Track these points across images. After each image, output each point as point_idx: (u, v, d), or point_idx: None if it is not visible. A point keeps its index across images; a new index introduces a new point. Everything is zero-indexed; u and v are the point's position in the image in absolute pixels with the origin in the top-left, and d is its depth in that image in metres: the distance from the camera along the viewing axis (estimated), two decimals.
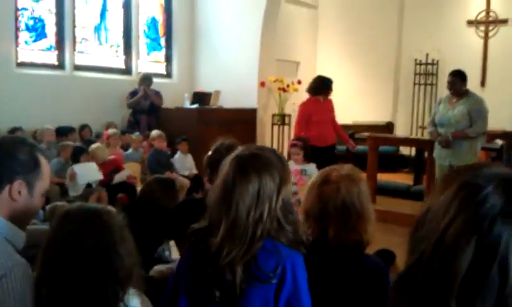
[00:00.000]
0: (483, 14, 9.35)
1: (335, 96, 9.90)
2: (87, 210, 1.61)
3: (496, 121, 8.59)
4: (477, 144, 5.65)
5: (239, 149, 1.65)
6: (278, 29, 8.97)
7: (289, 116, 9.21)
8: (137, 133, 7.08)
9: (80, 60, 7.62)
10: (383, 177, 7.55)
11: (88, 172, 5.71)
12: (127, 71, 8.22)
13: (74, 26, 7.48)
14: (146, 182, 3.65)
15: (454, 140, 5.57)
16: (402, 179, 8.23)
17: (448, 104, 5.72)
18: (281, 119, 9.17)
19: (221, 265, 1.50)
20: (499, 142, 7.89)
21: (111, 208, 1.72)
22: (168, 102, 8.00)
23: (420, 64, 9.86)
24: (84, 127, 7.09)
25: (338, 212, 1.79)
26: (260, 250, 1.51)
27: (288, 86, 8.98)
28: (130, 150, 6.91)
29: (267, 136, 8.98)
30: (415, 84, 9.96)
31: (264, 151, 1.63)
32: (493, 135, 8.19)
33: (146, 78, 7.68)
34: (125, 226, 1.60)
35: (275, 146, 8.61)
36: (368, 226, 1.83)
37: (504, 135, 8.40)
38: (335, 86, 10.08)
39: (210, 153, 2.56)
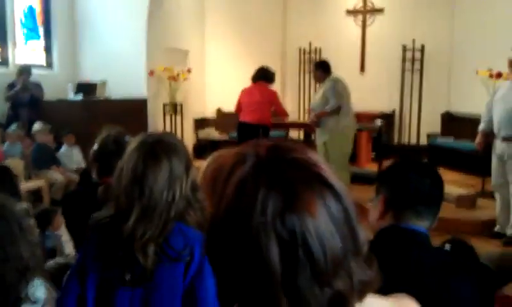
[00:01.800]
0: (361, 4, 9.93)
1: (223, 83, 10.08)
2: None
3: (375, 104, 9.27)
4: (340, 119, 6.14)
5: (142, 136, 1.67)
6: (165, 16, 8.85)
7: (181, 105, 9.16)
8: (13, 127, 6.60)
9: None
10: None
11: None
12: (4, 62, 7.64)
13: None
14: None
15: (321, 120, 6.18)
16: None
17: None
18: (173, 108, 9.09)
19: (135, 247, 1.52)
20: (379, 122, 8.46)
21: (8, 199, 1.66)
22: (50, 94, 7.58)
23: (305, 52, 10.28)
24: None
25: None
26: (172, 231, 1.56)
27: (178, 74, 8.92)
28: (5, 145, 6.44)
29: (160, 126, 8.86)
30: (300, 71, 10.37)
31: (167, 136, 1.69)
32: (373, 116, 8.79)
33: (25, 70, 7.20)
34: (25, 217, 1.57)
35: None
36: None
37: (382, 116, 9.06)
38: (223, 74, 10.28)
39: (96, 146, 2.50)
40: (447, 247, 2.77)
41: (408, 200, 1.67)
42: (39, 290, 1.54)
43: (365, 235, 0.74)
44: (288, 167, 0.70)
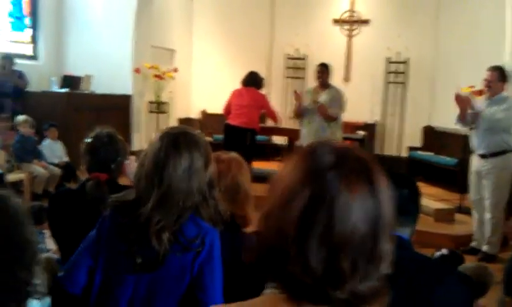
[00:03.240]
0: (347, 14, 10.03)
1: (209, 85, 10.08)
2: None
3: (358, 114, 9.34)
4: (337, 131, 6.30)
5: (168, 128, 1.75)
6: (153, 15, 8.83)
7: (166, 103, 9.13)
8: None
9: None
10: (257, 165, 7.79)
11: None
12: None
13: None
14: None
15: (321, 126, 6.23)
16: (276, 167, 8.51)
17: (314, 94, 6.37)
18: (158, 106, 9.06)
19: (150, 232, 1.58)
20: (361, 133, 8.56)
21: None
22: (34, 85, 7.50)
23: (292, 58, 10.34)
24: None
25: (228, 188, 1.91)
26: (186, 221, 1.62)
27: (164, 73, 8.89)
28: None
29: (144, 124, 8.83)
30: (285, 76, 10.43)
31: (192, 131, 1.75)
32: (356, 127, 8.88)
33: (6, 58, 7.10)
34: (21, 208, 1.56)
35: (152, 134, 8.48)
36: (250, 207, 1.97)
37: (365, 126, 9.16)
38: (209, 75, 10.28)
39: (89, 139, 2.47)
40: (444, 251, 2.91)
41: None
42: (39, 277, 1.54)
43: (389, 250, 0.78)
44: (349, 150, 0.81)
